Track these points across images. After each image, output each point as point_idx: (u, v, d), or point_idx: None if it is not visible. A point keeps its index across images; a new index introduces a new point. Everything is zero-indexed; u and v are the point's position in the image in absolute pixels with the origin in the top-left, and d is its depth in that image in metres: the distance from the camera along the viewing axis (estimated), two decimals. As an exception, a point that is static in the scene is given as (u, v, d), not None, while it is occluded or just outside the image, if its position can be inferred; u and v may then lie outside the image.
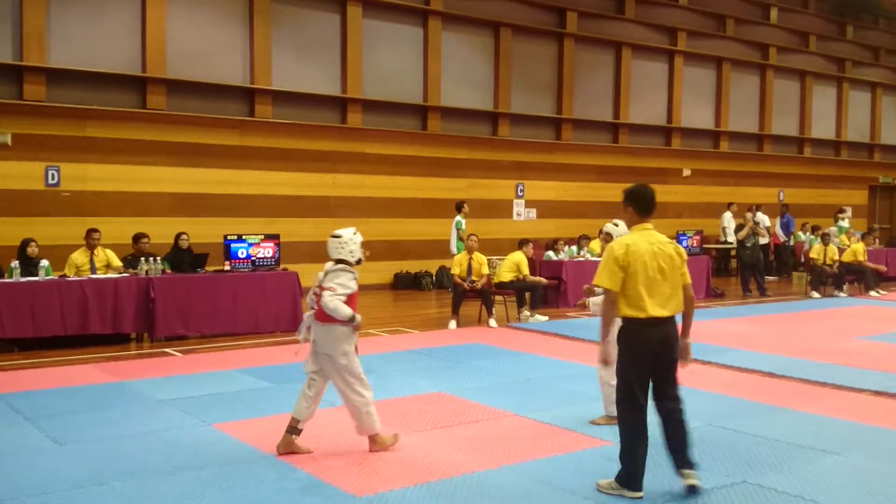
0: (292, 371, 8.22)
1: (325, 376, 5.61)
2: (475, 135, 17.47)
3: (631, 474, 4.67)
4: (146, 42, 13.71)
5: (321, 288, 5.42)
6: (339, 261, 5.56)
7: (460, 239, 13.72)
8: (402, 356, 9.20)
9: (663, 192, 20.66)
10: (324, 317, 5.42)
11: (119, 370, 8.39)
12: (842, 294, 15.60)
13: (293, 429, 5.56)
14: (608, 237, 6.43)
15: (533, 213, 18.23)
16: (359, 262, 5.63)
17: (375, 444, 5.59)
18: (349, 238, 5.60)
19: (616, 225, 6.44)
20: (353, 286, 5.47)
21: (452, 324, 11.31)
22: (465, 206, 14.82)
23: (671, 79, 20.81)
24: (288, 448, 5.52)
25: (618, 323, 4.80)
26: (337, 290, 5.39)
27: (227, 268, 10.75)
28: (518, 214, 17.99)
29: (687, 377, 8.07)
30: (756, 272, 16.04)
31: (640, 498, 4.65)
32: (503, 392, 7.40)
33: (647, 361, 4.66)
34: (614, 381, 6.07)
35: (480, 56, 17.64)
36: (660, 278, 4.63)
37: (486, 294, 11.68)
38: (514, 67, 18.01)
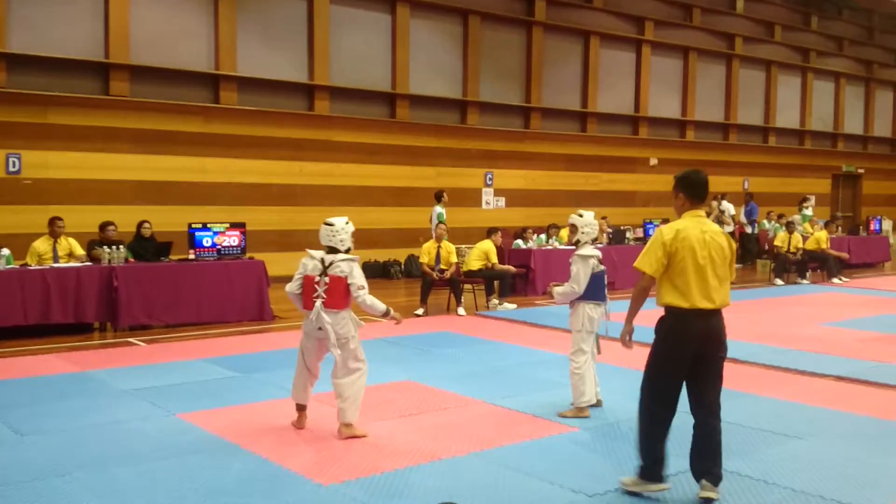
0: (258, 361, 8.18)
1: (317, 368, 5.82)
2: (444, 123, 17.42)
3: (649, 467, 4.48)
4: (109, 27, 13.46)
5: (332, 277, 5.52)
6: (330, 248, 5.63)
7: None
8: (370, 345, 9.06)
9: (631, 181, 21.07)
10: (335, 304, 5.51)
11: (82, 360, 8.26)
12: (805, 281, 15.83)
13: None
14: (573, 228, 6.44)
15: (502, 201, 18.25)
16: (348, 250, 5.69)
17: (349, 431, 5.58)
18: (341, 227, 5.68)
19: (580, 216, 6.44)
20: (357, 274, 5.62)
21: (420, 311, 11.30)
22: (445, 195, 14.81)
23: (638, 68, 20.92)
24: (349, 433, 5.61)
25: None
26: (364, 285, 5.57)
27: (191, 256, 10.61)
28: (487, 203, 18.00)
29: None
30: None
31: (666, 489, 4.50)
32: (471, 380, 7.40)
33: (686, 355, 4.36)
34: (587, 373, 6.09)
35: (449, 44, 17.58)
36: (709, 268, 4.36)
37: (455, 282, 11.68)
38: (482, 56, 17.97)
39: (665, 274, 4.43)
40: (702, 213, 4.52)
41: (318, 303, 5.53)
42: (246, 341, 9.36)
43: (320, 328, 5.53)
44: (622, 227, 15.79)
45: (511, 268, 12.84)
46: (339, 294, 5.51)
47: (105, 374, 7.58)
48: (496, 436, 5.67)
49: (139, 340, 9.43)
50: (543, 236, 14.88)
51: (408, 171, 16.75)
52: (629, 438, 5.58)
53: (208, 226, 10.83)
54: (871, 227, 20.05)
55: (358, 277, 5.55)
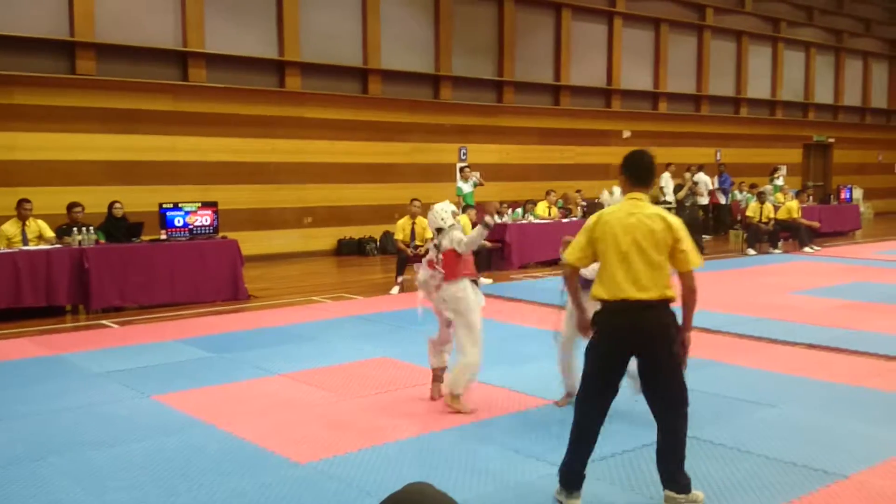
0: (233, 340, 8.14)
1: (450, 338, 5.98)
2: (417, 98, 17.31)
3: (566, 471, 4.10)
4: (73, 5, 13.17)
5: (444, 252, 5.76)
6: (437, 230, 5.93)
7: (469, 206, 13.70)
8: (345, 322, 9.15)
9: (604, 154, 21.06)
10: (451, 275, 5.72)
11: (54, 343, 8.17)
12: (777, 251, 16.00)
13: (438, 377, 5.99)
14: (600, 207, 6.19)
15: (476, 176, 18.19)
16: (451, 226, 5.92)
17: (456, 403, 5.67)
18: (440, 209, 5.98)
19: (612, 194, 5.88)
20: (461, 236, 5.81)
21: (395, 289, 11.29)
22: (467, 170, 15.20)
23: (610, 40, 20.89)
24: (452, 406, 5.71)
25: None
26: (460, 238, 5.78)
27: (163, 237, 10.51)
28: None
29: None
30: (694, 232, 16.34)
31: None
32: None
33: (612, 350, 4.01)
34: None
35: (420, 18, 17.42)
36: (634, 255, 3.94)
37: (430, 258, 11.65)
38: (454, 29, 17.84)
39: (594, 263, 4.17)
40: (641, 195, 4.11)
41: (427, 275, 5.88)
42: (220, 321, 9.30)
43: (444, 300, 5.80)
44: (596, 200, 15.79)
45: (486, 242, 12.83)
46: (453, 266, 5.74)
47: (78, 356, 7.51)
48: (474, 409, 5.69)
49: (112, 322, 9.34)
50: (519, 210, 14.88)
51: (381, 147, 16.66)
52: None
53: (179, 205, 10.72)
54: (842, 196, 20.29)
55: (451, 236, 5.78)
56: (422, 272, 5.96)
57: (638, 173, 4.17)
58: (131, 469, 4.66)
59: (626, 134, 21.11)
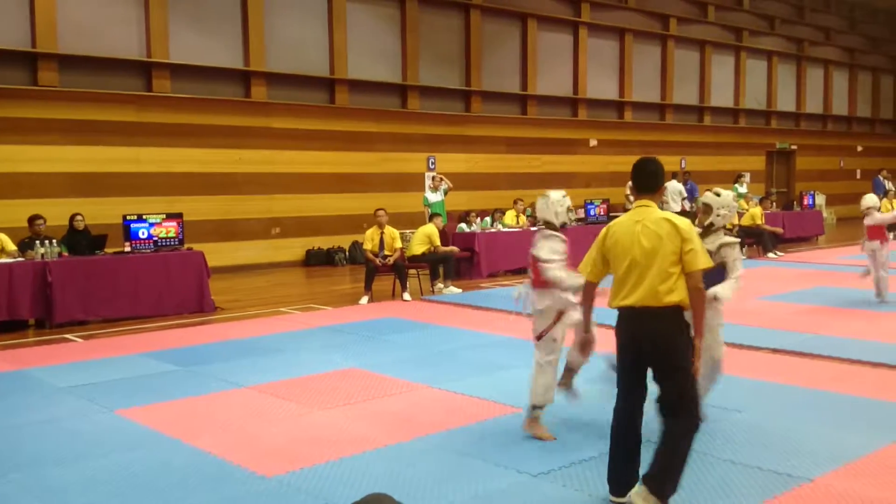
0: (199, 353, 8.06)
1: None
2: (384, 108, 17.31)
3: (609, 476, 4.19)
4: (35, 15, 13.01)
5: (533, 255, 5.33)
6: (545, 222, 5.43)
7: (436, 214, 13.65)
8: (314, 333, 9.09)
9: (571, 163, 21.20)
10: (537, 283, 5.29)
11: (17, 358, 8.02)
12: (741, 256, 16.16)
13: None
14: (707, 209, 5.60)
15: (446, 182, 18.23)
16: (563, 225, 5.45)
17: (533, 424, 5.29)
18: (556, 199, 5.45)
19: (718, 194, 5.63)
20: (562, 249, 5.25)
21: (364, 300, 11.24)
22: (435, 179, 15.14)
23: (576, 50, 21.06)
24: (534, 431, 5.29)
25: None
26: (553, 258, 5.20)
27: (127, 249, 10.38)
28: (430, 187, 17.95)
29: (598, 343, 8.24)
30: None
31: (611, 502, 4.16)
32: (416, 365, 7.39)
33: (628, 354, 4.06)
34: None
35: (387, 27, 17.44)
36: (641, 259, 3.97)
37: (400, 268, 11.64)
38: (421, 39, 17.88)
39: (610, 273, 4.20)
40: (648, 202, 4.12)
41: (527, 282, 5.39)
42: (186, 334, 9.20)
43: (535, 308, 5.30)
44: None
45: (455, 248, 12.86)
46: (537, 272, 5.28)
47: (41, 371, 7.38)
48: (441, 420, 5.68)
49: (76, 336, 9.20)
50: (487, 219, 14.92)
51: (349, 157, 16.63)
52: (573, 417, 5.64)
53: (144, 217, 10.60)
54: (805, 202, 20.60)
55: (542, 250, 5.24)
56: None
57: (639, 180, 4.21)
58: (95, 485, 4.58)
59: (593, 143, 21.28)
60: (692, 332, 4.02)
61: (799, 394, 6.23)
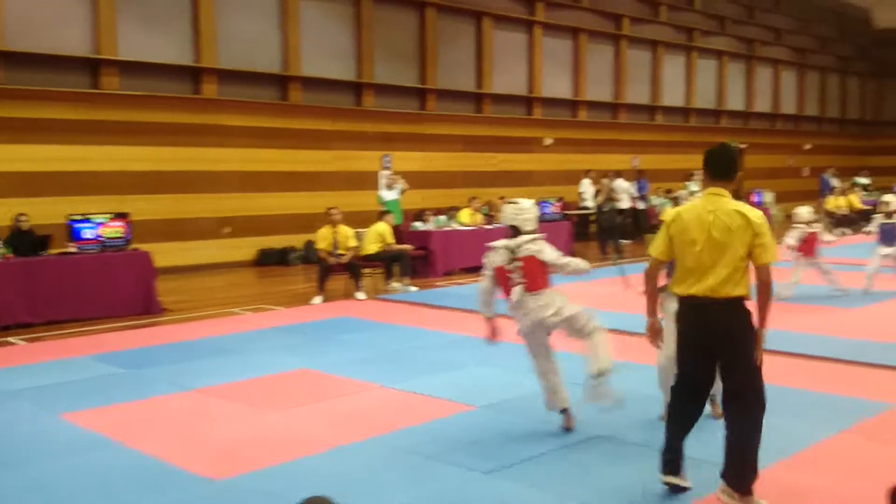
0: (146, 355, 7.91)
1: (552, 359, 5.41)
2: (339, 105, 17.18)
3: (662, 453, 4.24)
4: (-25, 10, 12.66)
5: (524, 259, 5.22)
6: (513, 230, 5.37)
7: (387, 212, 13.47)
8: (265, 334, 8.98)
9: (526, 161, 21.28)
10: (536, 286, 5.22)
11: (-44, 363, 7.80)
12: (693, 253, 16.39)
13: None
14: (675, 202, 6.04)
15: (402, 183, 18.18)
16: (532, 233, 5.41)
17: (570, 419, 5.31)
18: (528, 206, 5.44)
19: (692, 193, 5.87)
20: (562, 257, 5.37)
21: (317, 299, 11.14)
22: (390, 177, 15.24)
23: (531, 49, 21.15)
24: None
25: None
26: (562, 256, 5.34)
27: (72, 250, 10.14)
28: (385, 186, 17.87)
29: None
30: (613, 235, 16.76)
31: (665, 484, 4.23)
32: (370, 365, 7.35)
33: (693, 342, 4.09)
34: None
35: (341, 24, 17.31)
36: (708, 251, 3.96)
37: (354, 267, 11.57)
38: (376, 37, 17.79)
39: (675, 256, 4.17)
40: (722, 191, 4.08)
41: (519, 289, 5.22)
42: (133, 336, 9.02)
43: (525, 313, 5.22)
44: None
45: (409, 246, 12.82)
46: (537, 273, 5.22)
47: (-18, 376, 7.18)
48: (394, 420, 5.64)
49: (19, 339, 8.96)
50: (443, 217, 14.91)
51: (303, 155, 16.47)
52: (525, 414, 5.66)
53: (89, 217, 10.37)
54: (753, 200, 20.98)
55: (550, 251, 5.30)
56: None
57: (713, 167, 4.18)
58: (40, 491, 4.48)
59: (548, 141, 21.40)
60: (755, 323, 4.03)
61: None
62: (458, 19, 19.51)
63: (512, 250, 5.28)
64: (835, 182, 23.78)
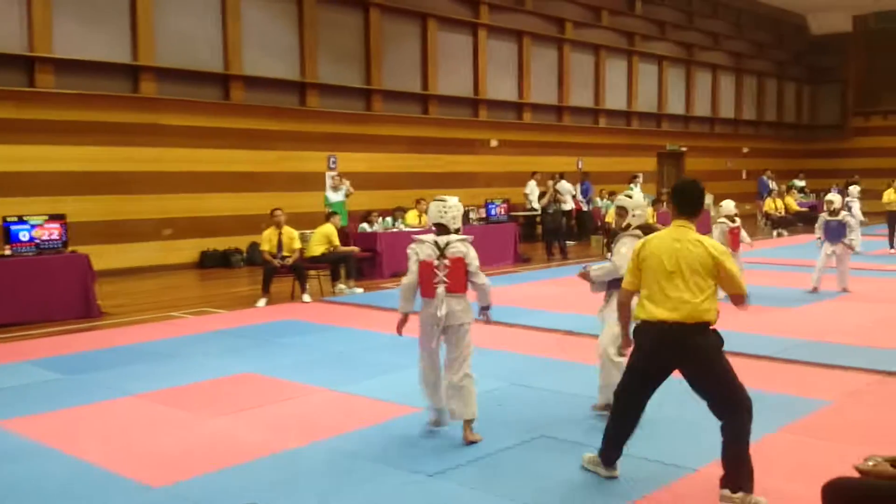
0: (85, 360, 7.72)
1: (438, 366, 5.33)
2: (282, 105, 17.00)
3: (604, 451, 4.51)
4: None
5: (452, 259, 5.14)
6: (439, 227, 5.27)
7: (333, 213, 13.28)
8: (208, 337, 8.83)
9: (472, 163, 21.32)
10: (459, 288, 5.17)
11: None
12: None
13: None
14: (622, 212, 5.78)
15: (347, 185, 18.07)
16: (457, 231, 5.30)
17: (470, 433, 5.15)
18: (453, 204, 5.33)
19: (629, 196, 5.82)
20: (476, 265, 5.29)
21: (262, 302, 11.00)
22: (336, 178, 15.41)
23: (476, 51, 21.22)
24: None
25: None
26: (478, 264, 5.26)
27: (7, 252, 9.84)
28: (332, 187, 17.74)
29: (491, 339, 8.31)
30: (558, 237, 16.93)
31: (614, 477, 4.48)
32: (315, 368, 7.28)
33: (648, 367, 4.30)
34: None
35: (284, 23, 17.13)
36: (678, 279, 4.14)
37: (299, 269, 11.46)
38: (320, 36, 17.65)
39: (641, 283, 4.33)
40: (688, 223, 4.27)
41: (441, 288, 5.12)
42: (70, 340, 8.78)
43: (441, 315, 5.10)
44: (466, 208, 16.00)
45: (355, 248, 12.75)
46: (461, 276, 5.16)
47: None
48: (339, 423, 5.60)
49: (-51, 345, 8.66)
50: (389, 219, 14.85)
51: (246, 156, 16.24)
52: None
53: (25, 219, 10.07)
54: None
55: (475, 258, 5.23)
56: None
57: (680, 200, 4.36)
58: (-35, 504, 4.32)
59: (494, 143, 21.50)
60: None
61: (685, 385, 6.40)
62: (402, 20, 19.48)
63: (441, 248, 5.21)
64: (772, 184, 24.37)
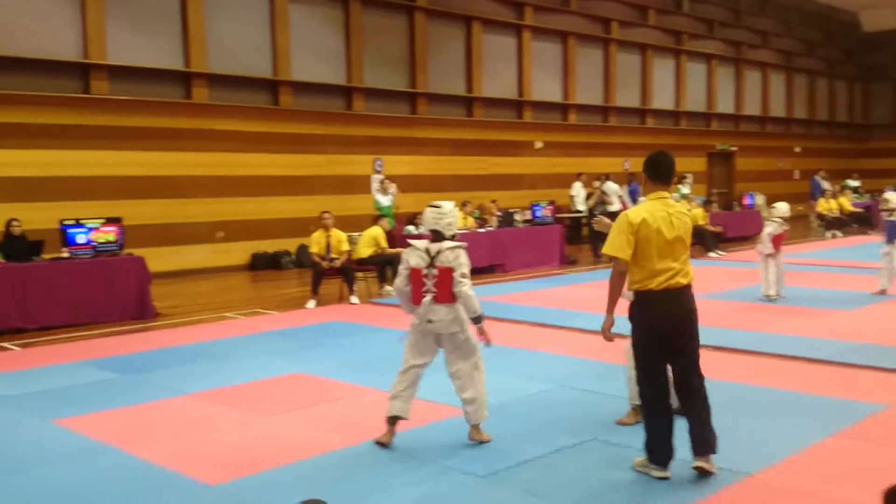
0: (140, 361, 7.90)
1: (426, 366, 5.31)
2: (329, 109, 17.19)
3: (652, 452, 4.51)
4: (-35, 15, 12.62)
5: (440, 269, 5.07)
6: (435, 234, 5.20)
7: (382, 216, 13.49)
8: (259, 338, 8.98)
9: (517, 165, 21.31)
10: (447, 297, 5.08)
11: (-53, 370, 7.76)
12: (684, 256, 16.45)
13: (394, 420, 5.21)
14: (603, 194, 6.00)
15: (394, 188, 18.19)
16: (454, 237, 5.24)
17: (479, 434, 5.18)
18: (448, 210, 5.26)
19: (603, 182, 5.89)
20: (468, 276, 5.13)
21: (311, 303, 11.14)
22: (384, 182, 15.44)
23: (520, 53, 21.21)
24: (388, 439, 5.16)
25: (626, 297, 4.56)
26: (468, 274, 5.11)
27: (65, 255, 10.12)
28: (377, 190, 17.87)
29: (537, 341, 8.29)
30: (604, 238, 16.78)
31: (666, 478, 4.46)
32: (363, 369, 7.35)
33: (662, 334, 4.46)
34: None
35: (331, 28, 17.33)
36: (678, 247, 4.45)
37: (347, 271, 11.57)
38: (366, 41, 17.81)
39: (634, 257, 4.43)
40: (665, 194, 4.55)
41: (428, 297, 5.09)
42: (127, 341, 9.00)
43: (430, 321, 5.10)
44: (511, 210, 16.03)
45: (401, 250, 12.79)
46: (448, 286, 5.06)
47: (-27, 382, 7.15)
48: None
49: (12, 345, 8.92)
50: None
51: (294, 160, 16.47)
52: (520, 417, 5.67)
53: (82, 222, 10.34)
54: (745, 202, 21.07)
55: (463, 265, 5.09)
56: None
57: (657, 171, 4.61)
58: (32, 499, 4.45)
59: (538, 145, 21.45)
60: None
61: (739, 390, 6.35)
62: (447, 23, 19.55)
63: (431, 256, 5.15)
64: (826, 185, 23.88)
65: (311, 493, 4.36)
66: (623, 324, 4.65)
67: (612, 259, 4.52)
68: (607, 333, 4.63)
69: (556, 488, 4.43)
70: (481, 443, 5.15)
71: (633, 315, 4.53)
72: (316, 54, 17.00)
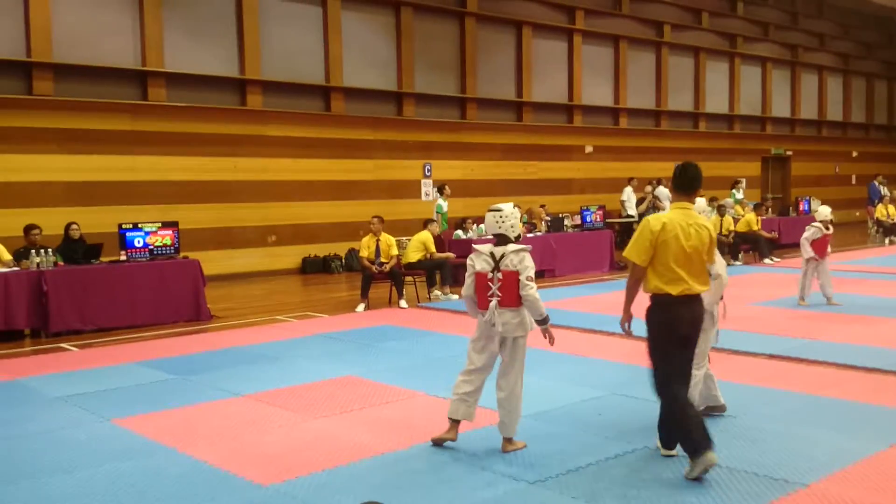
0: (195, 362, 8.05)
1: (489, 372, 5.28)
2: (380, 115, 17.34)
3: (695, 448, 4.51)
4: (30, 25, 13.02)
5: (505, 272, 5.07)
6: (499, 238, 5.18)
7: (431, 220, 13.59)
8: (310, 341, 9.09)
9: (567, 169, 21.21)
10: (512, 301, 5.08)
11: (12, 368, 8.00)
12: (737, 262, 16.21)
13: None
14: (655, 200, 6.07)
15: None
16: (518, 237, 5.21)
17: (512, 444, 5.18)
18: (509, 212, 5.19)
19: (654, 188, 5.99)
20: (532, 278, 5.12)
21: (361, 307, 11.23)
22: (447, 188, 15.08)
23: (571, 57, 21.11)
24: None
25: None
26: (533, 277, 5.10)
27: (122, 258, 10.37)
28: (426, 194, 17.97)
29: (588, 347, 8.24)
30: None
31: (713, 463, 4.50)
32: (413, 372, 7.39)
33: (677, 338, 4.68)
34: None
35: (382, 35, 17.48)
36: (695, 257, 4.63)
37: (396, 275, 11.64)
38: (416, 47, 17.92)
39: (652, 263, 4.64)
40: (688, 205, 4.73)
41: (494, 302, 5.08)
42: (182, 343, 9.18)
43: (494, 325, 5.08)
44: (560, 215, 15.96)
45: (451, 254, 12.86)
46: (515, 290, 5.04)
47: (36, 381, 7.37)
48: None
49: (71, 346, 9.18)
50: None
51: (345, 165, 16.64)
52: (570, 423, 5.65)
53: (139, 226, 10.59)
54: (801, 208, 20.64)
55: (528, 268, 5.07)
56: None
57: (681, 182, 4.79)
58: (91, 496, 4.56)
59: (589, 149, 21.32)
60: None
61: (794, 399, 6.24)
62: (497, 28, 19.56)
63: (496, 259, 5.12)
64: (884, 190, 23.28)
65: (362, 496, 4.41)
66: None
67: (629, 263, 4.73)
68: (625, 327, 4.89)
69: (607, 495, 4.40)
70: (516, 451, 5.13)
71: (650, 317, 4.73)
72: (367, 60, 17.16)
